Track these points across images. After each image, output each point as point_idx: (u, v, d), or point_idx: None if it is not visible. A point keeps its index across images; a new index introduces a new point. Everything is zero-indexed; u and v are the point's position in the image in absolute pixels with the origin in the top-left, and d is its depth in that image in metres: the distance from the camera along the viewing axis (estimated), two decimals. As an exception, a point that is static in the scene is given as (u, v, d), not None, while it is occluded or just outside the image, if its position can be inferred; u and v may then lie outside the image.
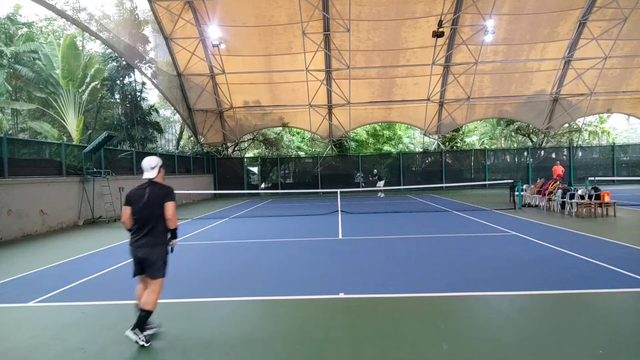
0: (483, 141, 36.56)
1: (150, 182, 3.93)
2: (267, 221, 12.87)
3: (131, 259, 3.91)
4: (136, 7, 23.29)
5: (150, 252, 3.80)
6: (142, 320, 3.75)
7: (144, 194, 3.84)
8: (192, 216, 14.57)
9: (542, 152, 27.34)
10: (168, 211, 3.84)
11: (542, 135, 28.35)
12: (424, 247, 8.05)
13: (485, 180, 25.85)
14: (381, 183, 22.10)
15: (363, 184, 22.34)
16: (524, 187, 16.13)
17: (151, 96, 32.52)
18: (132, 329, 3.72)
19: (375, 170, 23.76)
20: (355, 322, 4.24)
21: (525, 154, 27.21)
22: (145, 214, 3.81)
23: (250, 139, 31.07)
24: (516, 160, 27.55)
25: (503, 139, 34.08)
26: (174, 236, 4.04)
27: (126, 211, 3.85)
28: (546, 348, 3.50)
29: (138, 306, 3.83)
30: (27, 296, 5.37)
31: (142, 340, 3.69)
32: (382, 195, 22.05)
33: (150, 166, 3.95)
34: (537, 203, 14.42)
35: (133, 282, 6.03)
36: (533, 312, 4.40)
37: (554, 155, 26.71)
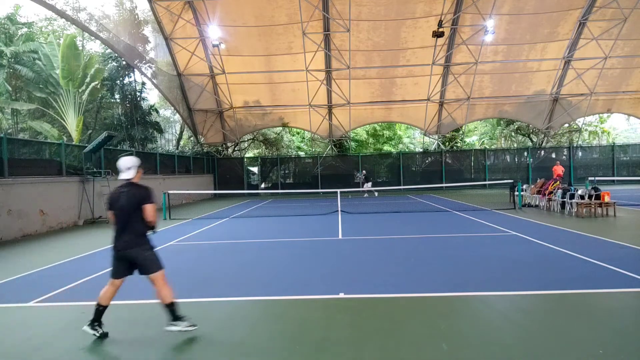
0: (483, 141, 36.57)
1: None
2: (267, 221, 12.87)
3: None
4: (136, 7, 23.32)
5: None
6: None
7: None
8: (192, 216, 14.57)
9: (542, 152, 27.34)
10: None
11: (542, 135, 28.35)
12: (424, 247, 8.05)
13: (485, 180, 25.85)
14: (368, 184, 22.02)
15: (364, 183, 22.28)
16: (524, 187, 16.13)
17: (151, 96, 32.59)
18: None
19: (364, 171, 23.63)
20: (355, 322, 4.24)
21: (525, 154, 27.21)
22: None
23: (250, 139, 31.08)
24: (516, 160, 27.55)
25: (503, 139, 34.08)
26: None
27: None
28: (546, 348, 3.50)
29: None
30: (27, 296, 5.37)
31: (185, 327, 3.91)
32: (367, 195, 21.99)
33: (126, 167, 3.98)
34: (537, 203, 14.42)
35: (132, 282, 6.04)
36: (533, 312, 4.40)
37: (554, 155, 26.71)
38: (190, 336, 3.90)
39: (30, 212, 11.15)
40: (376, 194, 22.19)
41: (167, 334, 3.93)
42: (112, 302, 4.02)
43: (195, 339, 3.88)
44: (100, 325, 3.91)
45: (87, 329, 3.87)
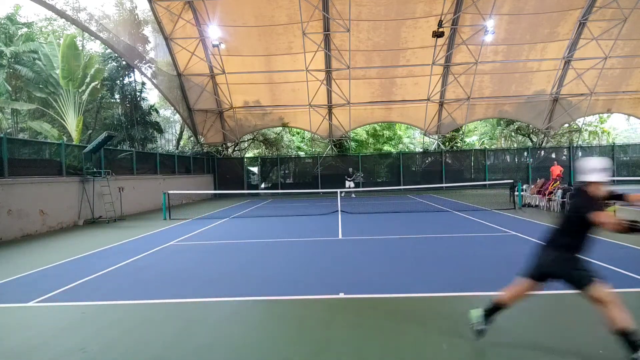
0: (483, 141, 36.57)
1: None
2: (267, 221, 12.87)
3: None
4: (136, 7, 23.28)
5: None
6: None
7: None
8: (192, 216, 14.56)
9: (542, 152, 27.33)
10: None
11: (542, 135, 28.35)
12: (424, 247, 8.05)
13: (485, 180, 25.85)
14: (350, 183, 22.12)
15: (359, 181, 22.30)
16: (524, 187, 16.13)
17: (151, 96, 32.53)
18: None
19: (350, 169, 23.62)
20: (355, 322, 4.24)
21: (525, 154, 27.20)
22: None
23: (250, 139, 31.08)
24: (516, 160, 27.54)
25: (503, 139, 34.08)
26: None
27: None
28: (546, 348, 3.50)
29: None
30: (27, 296, 5.37)
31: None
32: (354, 195, 22.04)
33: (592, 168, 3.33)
34: (537, 203, 14.42)
35: (133, 282, 6.05)
36: (533, 312, 4.40)
37: (553, 155, 26.70)
38: (190, 337, 3.89)
39: (30, 212, 11.15)
40: (354, 195, 22.15)
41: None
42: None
43: (195, 339, 3.87)
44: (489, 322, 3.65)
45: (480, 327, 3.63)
